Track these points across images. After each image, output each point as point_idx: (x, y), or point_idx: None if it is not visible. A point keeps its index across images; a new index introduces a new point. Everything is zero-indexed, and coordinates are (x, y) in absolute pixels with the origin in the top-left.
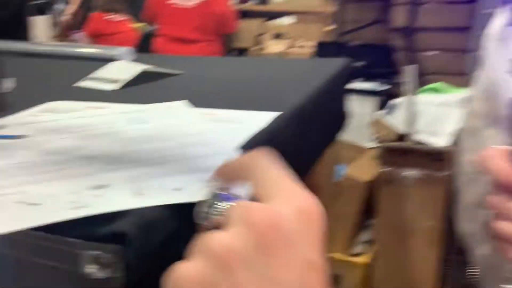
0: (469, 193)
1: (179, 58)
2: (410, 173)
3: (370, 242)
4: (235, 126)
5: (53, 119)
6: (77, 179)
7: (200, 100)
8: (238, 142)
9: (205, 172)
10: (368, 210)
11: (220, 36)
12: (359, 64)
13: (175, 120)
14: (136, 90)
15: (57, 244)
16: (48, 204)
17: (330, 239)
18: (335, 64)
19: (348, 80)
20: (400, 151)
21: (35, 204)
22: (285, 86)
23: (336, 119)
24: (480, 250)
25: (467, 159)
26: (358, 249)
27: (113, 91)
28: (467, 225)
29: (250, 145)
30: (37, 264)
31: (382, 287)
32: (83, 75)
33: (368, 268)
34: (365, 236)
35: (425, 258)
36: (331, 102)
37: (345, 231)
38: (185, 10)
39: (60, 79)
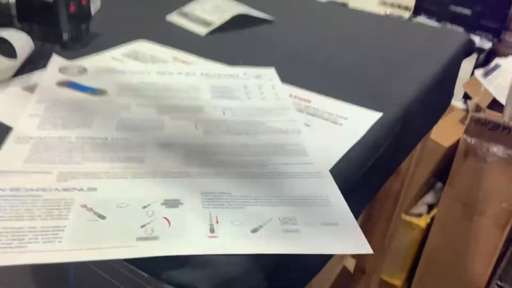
0: None
1: None
2: (496, 149)
3: (433, 205)
4: (332, 128)
5: (136, 71)
6: (151, 183)
7: (291, 66)
8: (335, 156)
9: (290, 205)
10: (440, 172)
11: None
12: (466, 11)
13: (262, 102)
14: (226, 38)
15: (125, 270)
16: (115, 221)
17: (396, 197)
18: (456, 41)
19: (464, 58)
20: (491, 124)
21: (101, 217)
22: (393, 69)
23: (444, 102)
24: None
25: None
26: (419, 210)
27: (203, 36)
28: None
29: (348, 161)
30: (98, 275)
31: (433, 255)
32: (174, 5)
33: (423, 231)
34: (429, 198)
35: (488, 239)
36: (443, 88)
37: (413, 191)
38: None
39: (149, 7)
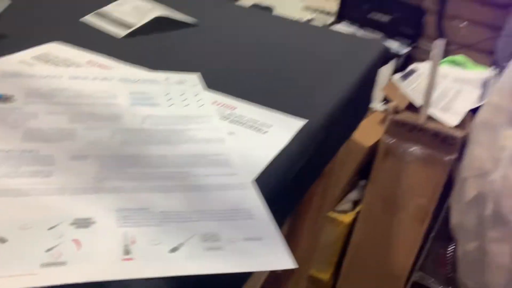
0: (471, 189)
1: None
2: (414, 149)
3: (357, 202)
4: (257, 136)
5: (46, 76)
6: (59, 201)
7: (215, 72)
8: (258, 166)
9: (212, 220)
10: (363, 170)
11: None
12: (385, 18)
13: (185, 109)
14: (146, 41)
15: None
16: (17, 245)
17: (322, 196)
18: (374, 49)
19: (382, 66)
20: (408, 125)
21: (1, 240)
22: (316, 75)
23: (364, 108)
24: (466, 246)
25: (477, 154)
26: (344, 207)
27: (121, 38)
28: (461, 218)
29: (271, 171)
30: None
31: (357, 249)
32: (91, 6)
33: (348, 227)
34: (354, 195)
35: (408, 233)
36: (363, 95)
37: (338, 190)
38: None
39: (64, 8)
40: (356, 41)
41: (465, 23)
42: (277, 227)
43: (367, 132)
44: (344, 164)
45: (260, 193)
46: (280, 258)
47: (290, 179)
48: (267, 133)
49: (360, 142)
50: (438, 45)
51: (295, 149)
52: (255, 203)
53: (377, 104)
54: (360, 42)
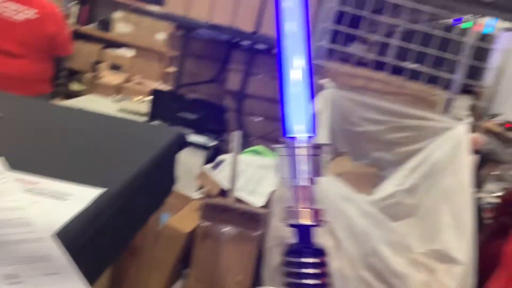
0: (276, 257)
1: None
2: (227, 229)
3: None
4: (57, 203)
5: None
6: None
7: (20, 156)
8: (57, 224)
9: (12, 264)
10: (186, 259)
11: (52, 55)
12: (192, 116)
13: None
14: None
15: None
16: None
17: (146, 286)
18: (169, 134)
19: (180, 150)
20: (220, 208)
21: None
22: (116, 155)
23: (166, 186)
24: None
25: (276, 225)
26: None
27: None
28: (272, 286)
29: (71, 227)
30: None
31: None
32: None
33: None
34: (179, 285)
35: None
36: (161, 173)
37: (161, 279)
38: (13, 23)
39: None
40: (153, 128)
41: (260, 118)
42: (75, 265)
43: (186, 220)
44: (166, 251)
45: (60, 244)
46: (74, 284)
47: (89, 235)
48: (67, 200)
49: (179, 229)
50: (236, 136)
51: (93, 211)
52: (53, 250)
53: (194, 193)
54: (157, 129)
